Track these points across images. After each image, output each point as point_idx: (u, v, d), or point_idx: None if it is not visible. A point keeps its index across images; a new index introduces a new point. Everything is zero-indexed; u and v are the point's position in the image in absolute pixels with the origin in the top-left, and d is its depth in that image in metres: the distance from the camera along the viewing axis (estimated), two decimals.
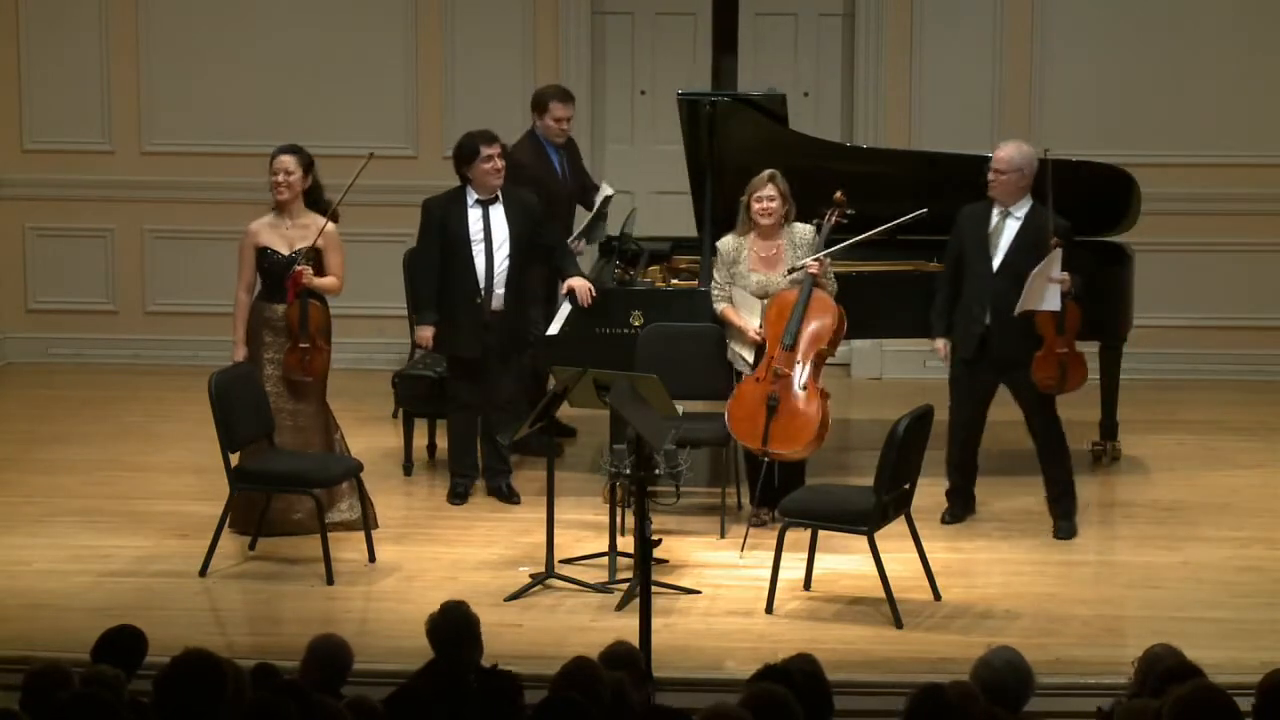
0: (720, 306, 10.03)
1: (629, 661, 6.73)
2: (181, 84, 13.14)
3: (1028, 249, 9.75)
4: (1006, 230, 9.88)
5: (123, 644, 6.76)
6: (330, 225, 10.04)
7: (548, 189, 10.94)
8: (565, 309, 10.59)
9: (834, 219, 10.03)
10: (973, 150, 11.63)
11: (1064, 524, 9.99)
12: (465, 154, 10.36)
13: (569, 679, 6.17)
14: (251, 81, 13.11)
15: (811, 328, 9.78)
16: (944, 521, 10.09)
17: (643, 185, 12.60)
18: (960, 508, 10.16)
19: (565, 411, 10.92)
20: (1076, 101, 12.90)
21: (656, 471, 8.51)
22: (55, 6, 13.13)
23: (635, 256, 11.10)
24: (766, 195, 9.88)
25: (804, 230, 9.97)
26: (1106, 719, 6.36)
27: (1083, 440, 11.19)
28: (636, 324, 10.41)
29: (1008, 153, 9.90)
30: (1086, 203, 10.96)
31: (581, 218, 11.28)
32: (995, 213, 9.93)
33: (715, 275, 10.08)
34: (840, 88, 13.12)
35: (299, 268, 9.91)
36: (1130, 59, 12.88)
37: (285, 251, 9.93)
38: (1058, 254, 9.70)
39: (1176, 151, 12.79)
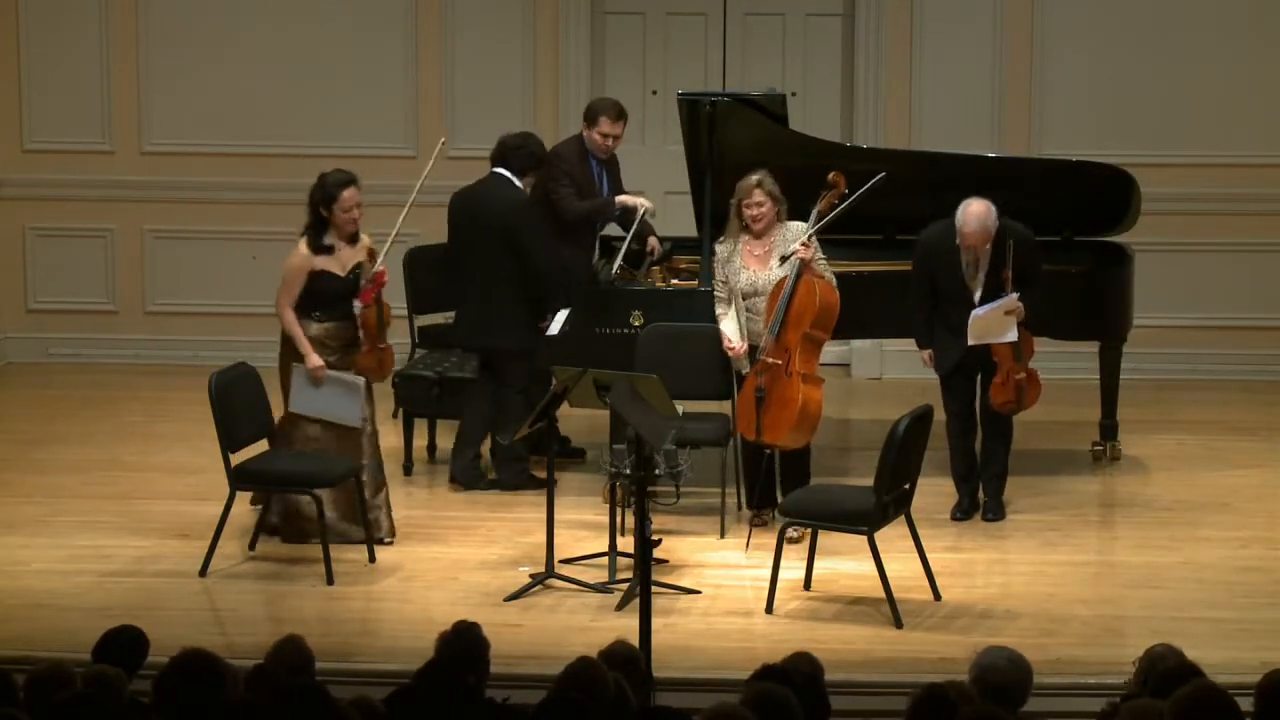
0: (718, 311, 10.01)
1: (629, 661, 6.73)
2: (181, 84, 13.13)
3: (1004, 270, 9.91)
4: (981, 264, 9.95)
5: (124, 644, 6.76)
6: (367, 236, 9.92)
7: (583, 196, 10.91)
8: (565, 309, 10.60)
9: (827, 201, 9.91)
10: (973, 150, 11.68)
11: (995, 505, 10.17)
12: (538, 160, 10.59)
13: (572, 679, 6.17)
14: (251, 81, 13.10)
15: (797, 314, 9.72)
16: (955, 518, 10.14)
17: (654, 185, 12.59)
18: (970, 501, 10.21)
19: (571, 430, 10.95)
20: (1076, 101, 12.89)
21: (656, 471, 8.51)
22: (55, 7, 13.13)
23: (638, 257, 11.08)
24: (755, 202, 9.83)
25: (797, 228, 9.90)
26: (1108, 719, 6.37)
27: (1083, 440, 11.21)
28: (636, 324, 10.41)
29: (979, 225, 9.81)
30: (1086, 203, 10.98)
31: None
32: (966, 255, 9.97)
33: (715, 277, 10.06)
34: (839, 88, 13.12)
35: (380, 269, 9.79)
36: (1130, 59, 12.88)
37: (341, 273, 9.76)
38: (1013, 298, 9.85)
39: (1176, 151, 12.79)
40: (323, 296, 9.72)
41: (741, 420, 9.81)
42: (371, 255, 9.83)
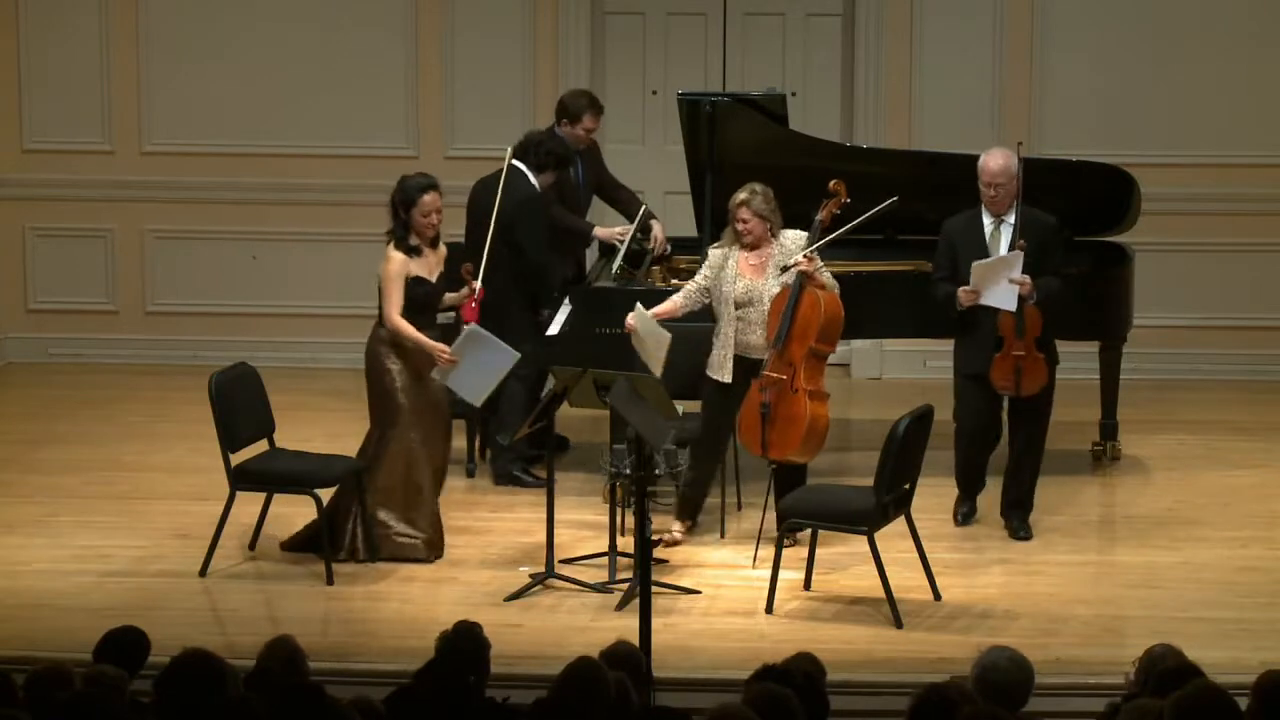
0: (675, 295, 9.83)
1: (630, 661, 6.73)
2: (181, 84, 13.13)
3: (1027, 252, 9.69)
4: (1003, 238, 9.82)
5: (125, 644, 6.76)
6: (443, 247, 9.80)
7: (562, 188, 10.94)
8: (565, 309, 10.60)
9: (828, 211, 9.85)
10: (973, 150, 11.67)
11: (1022, 526, 9.99)
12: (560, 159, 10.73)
13: (572, 679, 6.17)
14: (252, 81, 13.10)
15: (801, 328, 9.60)
16: (958, 522, 10.08)
17: (654, 185, 12.61)
18: (971, 506, 10.15)
19: (571, 430, 10.96)
20: (1076, 101, 12.89)
21: (656, 471, 8.50)
22: (55, 7, 13.13)
23: (639, 257, 11.09)
24: (741, 219, 9.68)
25: (795, 238, 9.74)
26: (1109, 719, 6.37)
27: (1083, 440, 11.21)
28: None
29: (1000, 163, 9.79)
30: (1087, 203, 10.98)
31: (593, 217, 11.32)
32: (988, 223, 9.87)
33: (699, 273, 9.84)
34: (839, 88, 13.12)
35: (481, 286, 9.65)
36: (1130, 59, 12.88)
37: (430, 278, 9.59)
38: (1019, 255, 9.68)
39: (1177, 151, 12.79)
40: (415, 302, 9.51)
41: (745, 435, 9.66)
42: (453, 268, 9.69)
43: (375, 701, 6.19)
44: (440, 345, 9.49)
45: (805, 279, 9.59)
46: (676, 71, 12.97)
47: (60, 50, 13.14)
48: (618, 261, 10.82)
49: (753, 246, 9.72)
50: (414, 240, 9.53)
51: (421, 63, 13.09)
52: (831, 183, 9.83)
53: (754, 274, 9.72)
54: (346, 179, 13.01)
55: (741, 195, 9.71)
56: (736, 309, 9.68)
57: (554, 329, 10.47)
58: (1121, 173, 10.92)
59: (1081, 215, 11.01)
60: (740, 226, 9.70)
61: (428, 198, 9.50)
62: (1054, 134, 12.80)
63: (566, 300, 10.72)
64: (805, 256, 9.61)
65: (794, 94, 12.04)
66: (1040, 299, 9.72)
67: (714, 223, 10.47)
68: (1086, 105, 12.89)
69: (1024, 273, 9.65)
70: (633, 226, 10.94)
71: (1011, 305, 9.73)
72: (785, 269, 9.63)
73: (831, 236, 9.75)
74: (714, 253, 9.83)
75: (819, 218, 9.79)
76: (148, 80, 13.16)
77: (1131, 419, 11.30)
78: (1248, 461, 11.21)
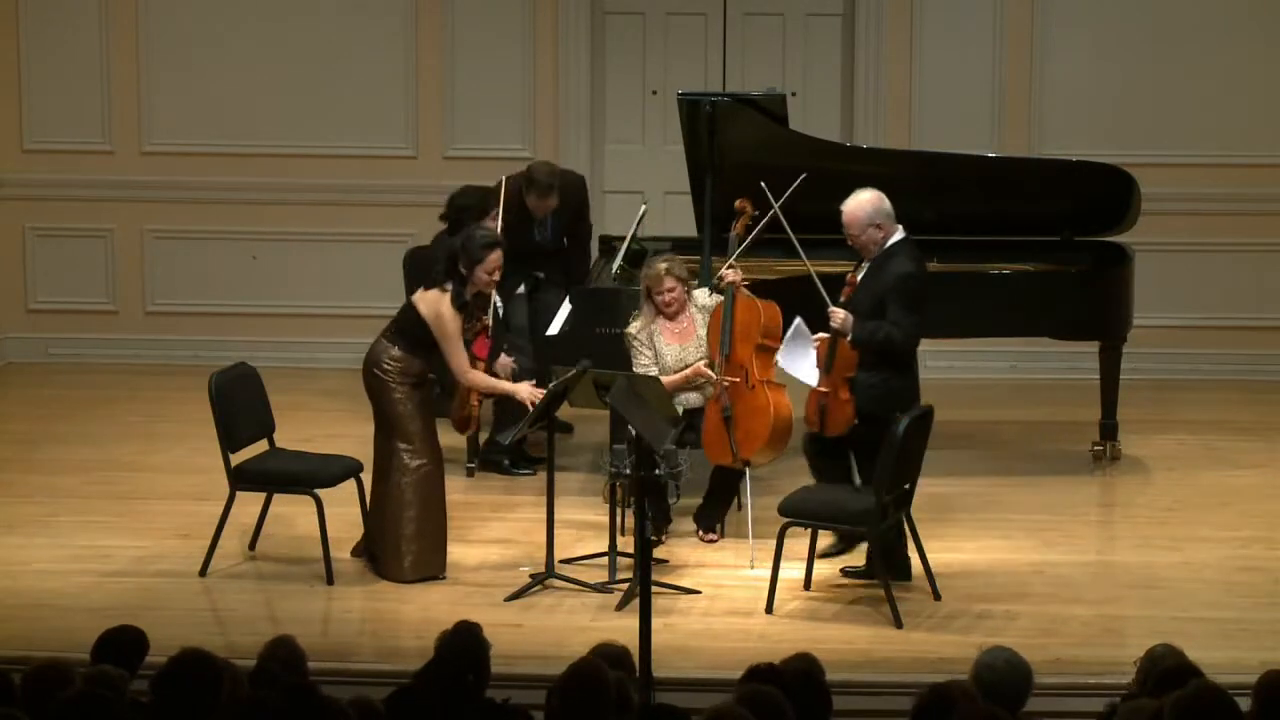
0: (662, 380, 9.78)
1: (619, 662, 6.71)
2: (181, 84, 13.14)
3: (872, 289, 9.26)
4: (862, 269, 9.42)
5: (123, 644, 6.76)
6: None
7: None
8: (565, 309, 10.61)
9: (739, 228, 9.92)
10: (973, 150, 11.69)
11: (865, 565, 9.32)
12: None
13: (575, 679, 6.16)
14: (252, 81, 13.11)
15: (742, 332, 9.62)
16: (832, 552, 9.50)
17: (654, 185, 12.61)
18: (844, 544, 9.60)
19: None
20: (1076, 101, 12.90)
21: (657, 472, 8.50)
22: (55, 7, 13.13)
23: (639, 257, 11.09)
24: (667, 289, 9.71)
25: (700, 294, 9.90)
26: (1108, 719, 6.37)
27: (1083, 440, 11.21)
28: None
29: (847, 217, 9.27)
30: (1086, 203, 10.98)
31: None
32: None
33: (639, 358, 9.81)
34: (839, 88, 13.13)
35: (490, 320, 9.53)
36: (1130, 59, 12.89)
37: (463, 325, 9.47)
38: (799, 324, 9.40)
39: (1176, 151, 12.80)
40: (432, 345, 9.32)
41: (713, 449, 9.66)
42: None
43: (375, 701, 6.19)
44: (524, 387, 9.38)
45: (735, 290, 9.68)
46: (676, 71, 12.98)
47: (60, 50, 13.14)
48: (618, 261, 10.83)
49: (675, 314, 9.79)
50: (468, 295, 9.32)
51: (421, 63, 13.10)
52: (736, 202, 9.96)
53: (681, 339, 9.84)
54: (346, 179, 13.01)
55: (661, 265, 9.74)
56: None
57: (554, 329, 10.46)
58: (1121, 173, 10.92)
59: (1081, 215, 11.02)
60: (665, 298, 9.75)
61: (493, 256, 9.31)
62: (1054, 134, 12.82)
63: (567, 300, 10.73)
64: (730, 267, 9.74)
65: (794, 94, 12.05)
66: (860, 338, 9.18)
67: (714, 222, 10.48)
68: (1087, 105, 12.90)
69: (865, 317, 9.19)
70: (633, 227, 10.95)
71: (809, 378, 9.39)
72: (714, 288, 9.76)
73: (752, 237, 9.83)
74: (640, 335, 9.84)
75: (734, 233, 9.92)
76: (148, 80, 13.17)
77: (1131, 419, 11.30)
78: (1248, 461, 11.21)
